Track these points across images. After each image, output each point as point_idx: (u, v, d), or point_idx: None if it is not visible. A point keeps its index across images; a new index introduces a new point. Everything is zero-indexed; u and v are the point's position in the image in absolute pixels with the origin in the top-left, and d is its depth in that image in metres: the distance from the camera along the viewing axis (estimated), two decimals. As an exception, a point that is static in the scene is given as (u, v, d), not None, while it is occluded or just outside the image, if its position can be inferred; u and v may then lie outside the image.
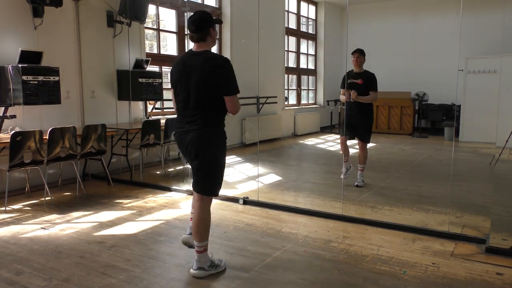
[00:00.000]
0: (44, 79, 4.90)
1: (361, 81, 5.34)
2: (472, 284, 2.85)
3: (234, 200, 4.79)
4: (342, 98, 5.54)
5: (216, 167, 2.91)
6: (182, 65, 2.91)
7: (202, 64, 2.81)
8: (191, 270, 2.96)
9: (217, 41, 8.52)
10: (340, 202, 4.56)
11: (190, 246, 3.12)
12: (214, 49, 6.22)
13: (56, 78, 5.04)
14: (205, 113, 2.83)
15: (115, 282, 2.86)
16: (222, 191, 3.27)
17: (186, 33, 2.83)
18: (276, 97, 9.52)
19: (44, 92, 4.90)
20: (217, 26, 3.05)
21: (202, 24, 2.85)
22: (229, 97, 2.83)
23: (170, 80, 3.07)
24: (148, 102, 6.95)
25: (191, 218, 3.15)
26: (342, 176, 5.47)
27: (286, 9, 10.71)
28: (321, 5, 12.28)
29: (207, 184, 2.91)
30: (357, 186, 5.45)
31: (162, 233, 3.81)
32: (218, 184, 2.96)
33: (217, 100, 2.86)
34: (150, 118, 6.77)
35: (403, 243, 3.57)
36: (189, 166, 4.37)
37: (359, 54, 5.37)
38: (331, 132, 11.71)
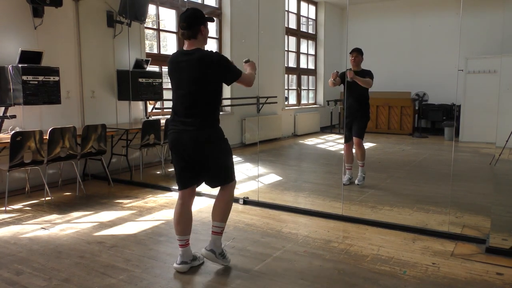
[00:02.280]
0: (44, 79, 4.90)
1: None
2: (472, 284, 2.85)
3: (234, 200, 4.73)
4: (330, 81, 5.29)
5: (229, 156, 3.05)
6: (176, 65, 2.91)
7: (196, 63, 2.79)
8: (203, 250, 3.03)
9: (217, 41, 8.52)
10: (340, 202, 4.56)
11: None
12: (214, 49, 6.22)
13: (56, 78, 5.04)
14: (200, 112, 2.83)
15: (115, 282, 2.86)
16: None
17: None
18: (276, 97, 9.51)
19: (44, 92, 4.91)
20: (210, 24, 3.06)
21: (193, 21, 2.84)
22: (240, 79, 2.99)
23: (169, 78, 3.08)
24: (148, 102, 6.95)
25: (180, 244, 3.02)
26: (343, 181, 5.47)
27: (286, 9, 10.71)
28: (321, 5, 12.28)
29: (229, 174, 3.04)
30: (358, 185, 5.46)
31: (162, 233, 3.81)
32: (234, 169, 3.11)
33: (211, 98, 2.88)
34: (150, 118, 6.77)
35: (403, 243, 3.57)
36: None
37: (357, 53, 5.37)
38: (331, 132, 11.71)
